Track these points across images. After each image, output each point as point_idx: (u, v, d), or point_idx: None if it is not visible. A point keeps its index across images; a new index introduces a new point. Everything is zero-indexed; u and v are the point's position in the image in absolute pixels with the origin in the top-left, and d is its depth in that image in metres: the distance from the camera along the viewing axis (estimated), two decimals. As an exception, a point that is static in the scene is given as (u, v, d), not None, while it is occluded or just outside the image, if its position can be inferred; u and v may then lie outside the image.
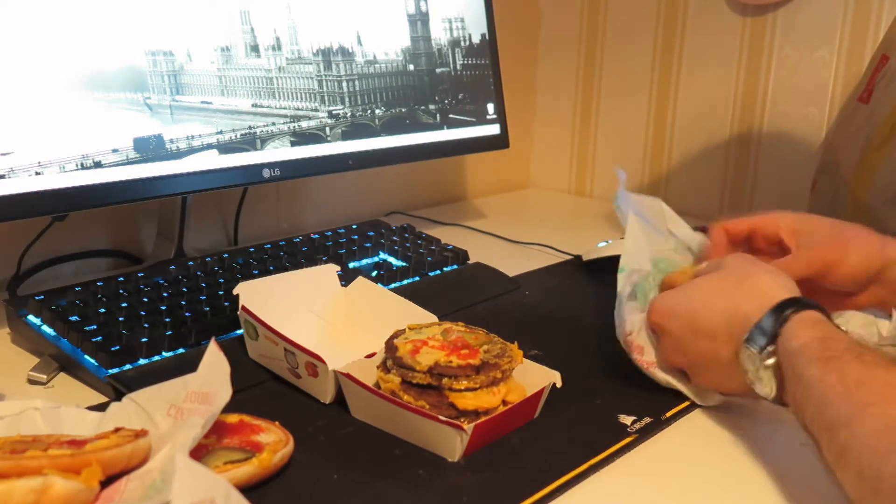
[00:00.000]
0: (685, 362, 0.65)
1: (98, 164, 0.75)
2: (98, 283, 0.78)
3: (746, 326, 0.58)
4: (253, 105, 0.88)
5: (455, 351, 0.60)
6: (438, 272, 0.95)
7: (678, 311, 0.65)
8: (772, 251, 0.74)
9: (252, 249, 0.91)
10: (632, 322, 0.69)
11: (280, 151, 0.89)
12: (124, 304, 0.75)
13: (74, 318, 0.72)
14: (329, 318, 0.75)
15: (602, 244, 1.02)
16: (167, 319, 0.73)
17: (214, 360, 0.53)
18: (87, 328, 0.70)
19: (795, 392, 0.54)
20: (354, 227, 1.03)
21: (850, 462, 0.47)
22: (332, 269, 0.78)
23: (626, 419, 0.63)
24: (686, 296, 0.65)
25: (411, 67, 1.04)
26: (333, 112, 0.95)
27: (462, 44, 1.11)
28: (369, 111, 0.99)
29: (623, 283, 0.72)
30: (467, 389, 0.58)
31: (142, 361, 0.68)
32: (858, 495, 0.47)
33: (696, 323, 0.63)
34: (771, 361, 0.57)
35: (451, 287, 0.92)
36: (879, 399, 0.48)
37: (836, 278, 0.69)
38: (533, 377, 0.63)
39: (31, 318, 0.74)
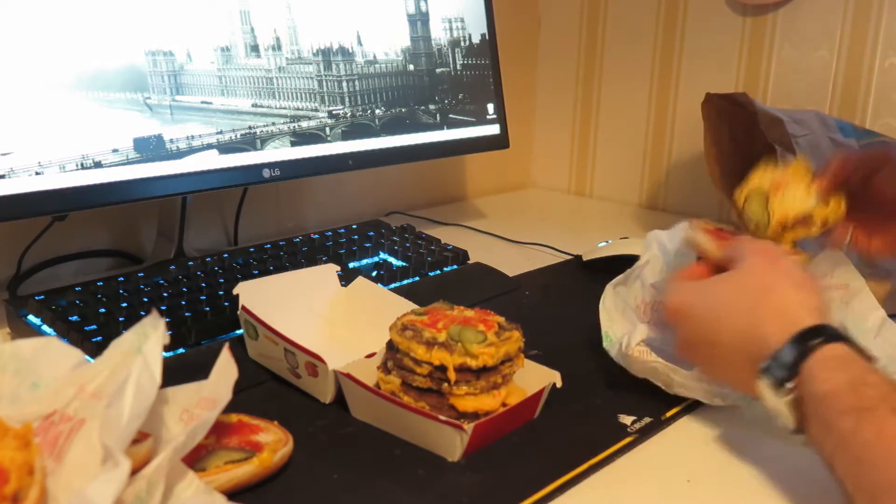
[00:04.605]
0: (698, 362, 0.62)
1: (98, 164, 0.75)
2: (98, 283, 0.78)
3: (765, 353, 0.54)
4: (253, 105, 0.88)
5: (468, 321, 0.61)
6: (438, 272, 0.95)
7: (693, 314, 0.60)
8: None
9: (252, 249, 0.91)
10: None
11: (280, 151, 0.89)
12: (124, 304, 0.75)
13: (74, 318, 0.72)
14: (329, 318, 0.75)
15: (602, 244, 1.02)
16: (167, 319, 0.72)
17: (225, 367, 0.53)
18: (87, 328, 0.70)
19: (825, 441, 0.50)
20: (354, 227, 1.03)
21: None
22: (332, 269, 0.78)
23: (626, 419, 0.63)
24: (702, 298, 0.60)
25: (411, 67, 1.04)
26: (333, 112, 0.95)
27: (462, 44, 1.11)
28: (369, 111, 0.99)
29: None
30: (467, 394, 0.58)
31: (142, 361, 0.68)
32: None
33: (712, 336, 0.58)
34: (790, 397, 0.52)
35: (451, 287, 0.92)
36: None
37: (882, 180, 0.68)
38: (533, 377, 0.63)
39: (31, 318, 0.74)
